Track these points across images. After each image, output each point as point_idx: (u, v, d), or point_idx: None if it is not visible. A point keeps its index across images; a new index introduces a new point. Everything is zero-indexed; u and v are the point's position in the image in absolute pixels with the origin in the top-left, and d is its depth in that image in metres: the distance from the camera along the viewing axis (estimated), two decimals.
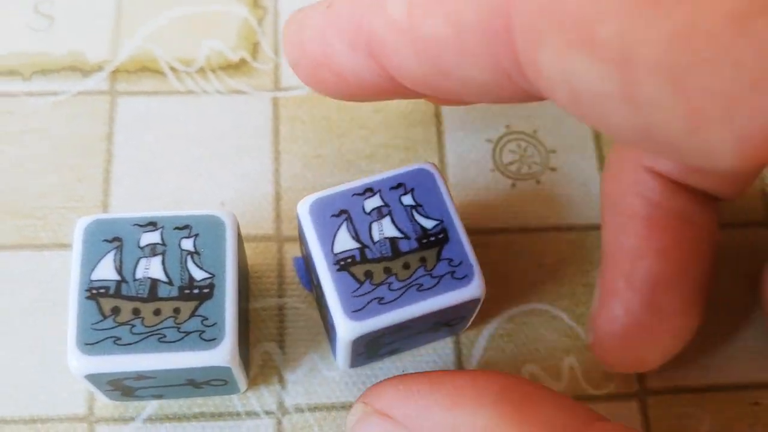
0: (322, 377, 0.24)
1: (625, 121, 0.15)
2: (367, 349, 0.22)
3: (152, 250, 0.21)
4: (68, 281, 0.24)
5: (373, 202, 0.22)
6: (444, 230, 0.22)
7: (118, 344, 0.20)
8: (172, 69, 0.28)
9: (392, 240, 0.21)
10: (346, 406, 0.24)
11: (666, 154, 0.15)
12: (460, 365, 0.25)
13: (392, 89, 0.21)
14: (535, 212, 0.27)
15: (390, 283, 0.21)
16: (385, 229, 0.22)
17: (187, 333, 0.21)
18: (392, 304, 0.21)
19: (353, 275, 0.21)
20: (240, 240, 0.23)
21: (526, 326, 0.25)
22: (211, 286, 0.21)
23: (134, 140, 0.27)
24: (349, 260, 0.21)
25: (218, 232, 0.22)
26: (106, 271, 0.21)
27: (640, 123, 0.14)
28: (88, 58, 0.28)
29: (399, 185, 0.22)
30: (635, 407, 0.25)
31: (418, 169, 0.22)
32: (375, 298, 0.21)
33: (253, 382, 0.24)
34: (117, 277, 0.21)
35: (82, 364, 0.20)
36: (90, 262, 0.21)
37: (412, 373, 0.21)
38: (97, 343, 0.20)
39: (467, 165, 0.27)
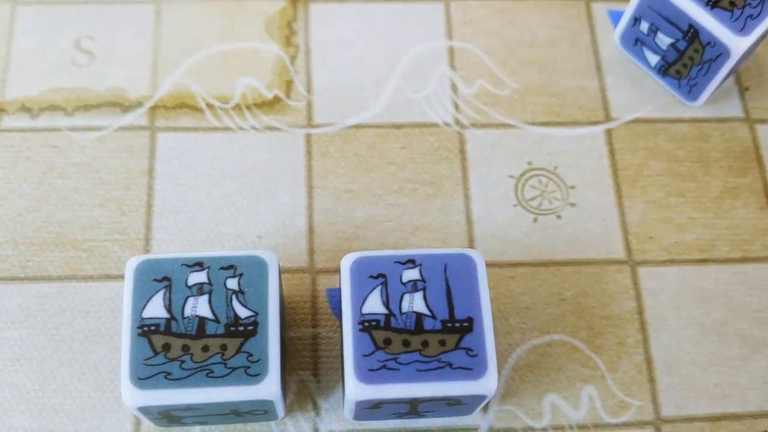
0: None
1: None
2: (374, 409, 0.23)
3: (199, 290, 0.23)
4: (114, 311, 0.26)
5: (411, 274, 0.23)
6: (471, 320, 0.22)
7: (169, 379, 0.22)
8: (209, 105, 0.29)
9: (419, 315, 0.22)
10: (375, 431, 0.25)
11: None
12: None
13: None
14: (556, 246, 0.28)
15: (406, 356, 0.22)
16: (416, 303, 0.22)
17: (234, 369, 0.22)
18: (405, 377, 0.22)
19: (373, 338, 0.22)
20: (280, 277, 0.24)
21: (547, 357, 0.27)
22: (255, 324, 0.22)
23: (174, 174, 0.28)
24: (374, 323, 0.22)
25: (261, 271, 0.23)
26: (156, 309, 0.22)
27: None
28: (128, 94, 0.30)
29: (441, 263, 0.23)
30: None
31: (461, 254, 0.23)
32: (388, 367, 0.22)
33: (289, 409, 0.26)
34: (167, 315, 0.22)
35: (135, 397, 0.22)
36: (141, 300, 0.23)
37: None
38: (149, 378, 0.22)
39: (491, 200, 0.29)
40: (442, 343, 0.22)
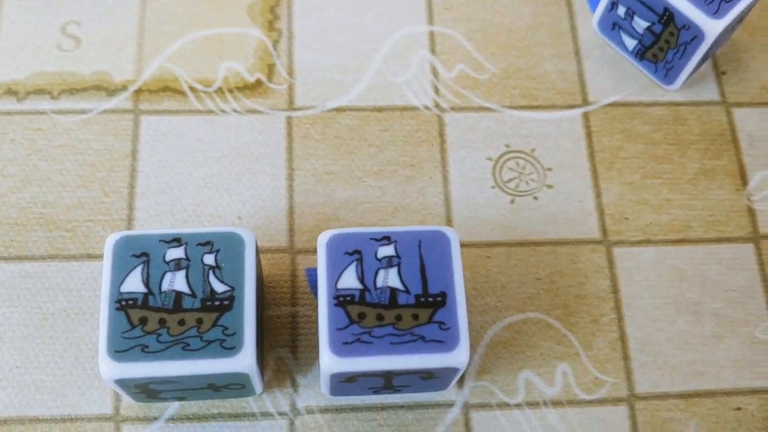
0: None
1: None
2: (349, 383, 0.24)
3: (177, 265, 0.23)
4: (96, 290, 0.26)
5: (386, 251, 0.23)
6: (444, 294, 0.23)
7: (145, 352, 0.22)
8: (192, 89, 0.30)
9: (393, 290, 0.23)
10: (354, 408, 0.26)
11: None
12: None
13: None
14: (533, 227, 0.29)
15: (379, 329, 0.22)
16: (390, 278, 0.23)
17: (209, 342, 0.22)
18: (378, 350, 0.22)
19: (348, 313, 0.22)
20: (257, 254, 0.24)
21: (522, 334, 0.27)
22: (231, 299, 0.23)
23: (157, 157, 0.29)
24: (348, 298, 0.23)
25: (238, 248, 0.23)
26: (134, 284, 0.23)
27: None
28: (113, 78, 0.30)
29: (415, 240, 0.23)
30: (624, 412, 0.26)
31: (436, 230, 0.23)
32: (362, 340, 0.22)
33: (267, 386, 0.26)
34: (144, 290, 0.23)
35: (112, 370, 0.22)
36: (119, 275, 0.23)
37: None
38: (126, 350, 0.22)
39: (469, 182, 0.29)
40: (415, 317, 0.22)
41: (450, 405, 0.26)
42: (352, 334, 0.22)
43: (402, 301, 0.23)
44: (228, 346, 0.22)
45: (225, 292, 0.23)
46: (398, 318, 0.22)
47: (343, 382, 0.24)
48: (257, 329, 0.24)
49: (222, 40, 0.31)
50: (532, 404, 0.26)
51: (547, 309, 0.27)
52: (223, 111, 0.30)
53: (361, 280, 0.23)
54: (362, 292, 0.23)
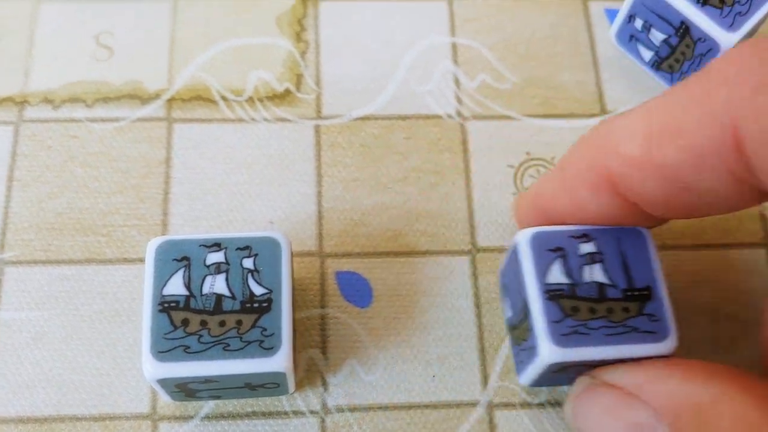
0: (361, 381, 0.27)
1: None
2: (553, 373, 0.25)
3: (217, 268, 0.24)
4: (131, 293, 0.27)
5: (587, 247, 0.24)
6: (649, 288, 0.24)
7: (187, 352, 0.23)
8: (223, 98, 0.31)
9: (600, 285, 0.24)
10: (382, 407, 0.27)
11: None
12: (485, 371, 0.27)
13: (629, 217, 0.24)
14: None
15: (594, 322, 0.23)
16: (595, 273, 0.24)
17: (249, 342, 0.23)
18: (593, 340, 0.23)
19: (561, 307, 0.23)
20: (291, 257, 0.25)
21: None
22: (269, 300, 0.24)
23: (190, 164, 0.30)
24: (559, 292, 0.24)
25: (275, 252, 0.24)
26: (176, 286, 0.24)
27: None
28: (146, 86, 0.31)
29: (615, 238, 0.24)
30: None
31: (633, 229, 0.24)
32: (578, 332, 0.23)
33: (299, 385, 0.27)
34: (186, 293, 0.24)
35: (155, 369, 0.23)
36: (161, 278, 0.24)
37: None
38: (168, 351, 0.23)
39: (490, 188, 0.30)
40: (626, 310, 0.23)
41: (474, 404, 0.27)
42: (568, 327, 0.23)
43: (610, 294, 0.24)
44: (267, 346, 0.23)
45: (263, 294, 0.24)
46: (609, 311, 0.23)
47: (554, 373, 0.24)
48: (292, 330, 0.25)
49: (251, 50, 0.32)
50: (554, 404, 0.27)
51: None
52: (253, 119, 0.31)
53: (569, 275, 0.24)
54: (572, 287, 0.24)
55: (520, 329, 0.25)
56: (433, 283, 0.29)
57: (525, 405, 0.27)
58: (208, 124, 0.30)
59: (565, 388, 0.27)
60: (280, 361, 0.23)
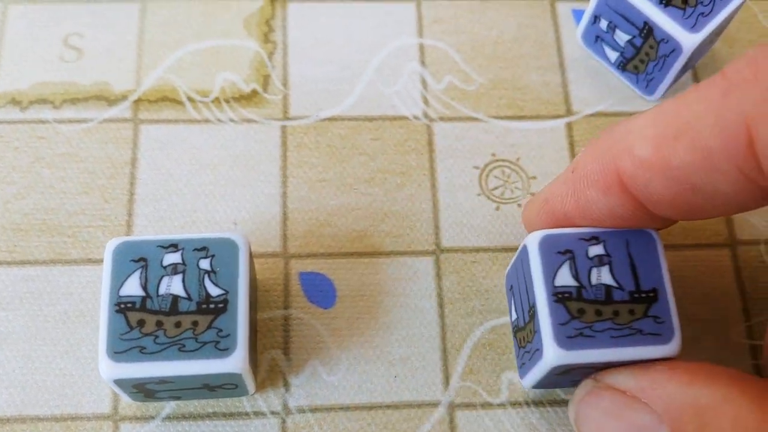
0: (322, 381, 0.27)
1: None
2: (556, 376, 0.25)
3: (174, 269, 0.24)
4: (96, 294, 0.27)
5: (596, 250, 0.24)
6: (655, 290, 0.24)
7: (143, 353, 0.23)
8: (190, 99, 0.31)
9: (608, 287, 0.24)
10: (343, 408, 0.27)
11: None
12: (446, 371, 0.28)
13: (638, 219, 0.24)
14: (516, 233, 0.30)
15: (599, 324, 0.23)
16: (603, 276, 0.24)
17: (204, 343, 0.23)
18: (598, 343, 0.23)
19: (568, 309, 0.24)
20: (251, 258, 0.26)
21: (506, 336, 0.28)
22: (225, 302, 0.24)
23: (156, 165, 0.30)
24: (566, 295, 0.24)
25: (232, 253, 0.24)
26: (132, 287, 0.24)
27: None
28: (113, 88, 0.31)
29: (624, 240, 0.24)
30: None
31: (642, 231, 0.25)
32: (583, 335, 0.23)
33: (260, 386, 0.27)
34: (142, 293, 0.24)
35: (111, 370, 0.23)
36: (118, 279, 0.24)
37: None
38: (125, 351, 0.23)
39: (456, 189, 0.30)
40: (632, 312, 0.24)
41: (435, 405, 0.27)
42: (574, 329, 0.23)
43: (618, 296, 0.24)
44: (222, 347, 0.23)
45: (219, 295, 0.24)
46: (615, 313, 0.24)
47: (558, 375, 0.25)
48: (250, 331, 0.25)
49: (219, 52, 0.32)
50: (515, 404, 0.27)
51: None
52: (219, 120, 0.31)
53: (576, 277, 0.24)
54: (578, 289, 0.24)
55: (524, 331, 0.25)
56: (397, 283, 0.29)
57: (486, 405, 0.27)
58: (175, 125, 0.31)
59: (525, 389, 0.27)
60: (235, 362, 0.23)
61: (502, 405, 0.27)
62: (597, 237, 0.24)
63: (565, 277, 0.24)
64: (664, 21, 0.28)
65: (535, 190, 0.30)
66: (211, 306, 0.24)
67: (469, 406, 0.27)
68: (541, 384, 0.26)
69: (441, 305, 0.28)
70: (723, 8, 0.29)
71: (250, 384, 0.25)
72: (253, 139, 0.30)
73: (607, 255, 0.24)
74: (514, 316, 0.27)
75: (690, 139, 0.21)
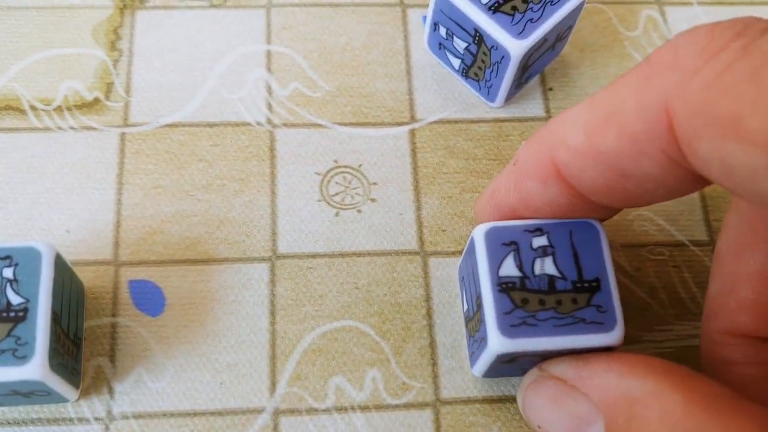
0: (147, 388, 0.27)
1: None
2: (503, 364, 0.25)
3: None
4: None
5: (540, 241, 0.25)
6: (598, 280, 0.24)
7: None
8: (32, 107, 0.31)
9: (551, 277, 0.24)
10: (167, 414, 0.27)
11: None
12: (273, 377, 0.28)
13: (578, 209, 0.24)
14: (355, 239, 0.30)
15: (543, 313, 0.24)
16: (546, 266, 0.25)
17: (3, 351, 0.23)
18: (541, 331, 0.24)
19: (512, 299, 0.24)
20: (64, 267, 0.26)
21: (336, 342, 0.28)
22: (26, 310, 0.24)
23: None
24: (510, 285, 0.24)
25: (35, 261, 0.25)
26: None
27: None
28: None
29: (568, 231, 0.25)
30: (429, 416, 0.28)
31: (585, 222, 0.25)
32: (527, 323, 0.24)
33: (86, 392, 0.27)
34: None
35: None
36: None
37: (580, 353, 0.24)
38: None
39: (296, 196, 0.30)
40: (574, 301, 0.24)
41: (260, 411, 0.27)
42: (518, 317, 0.24)
43: (560, 287, 0.24)
44: (20, 355, 0.23)
45: (20, 304, 0.24)
46: (558, 302, 0.24)
47: (504, 363, 0.25)
48: (66, 339, 0.25)
49: (65, 61, 0.32)
50: (341, 409, 0.27)
51: (362, 317, 0.29)
52: (60, 128, 0.31)
53: (521, 268, 0.25)
54: (522, 279, 0.24)
55: (473, 321, 0.26)
56: (229, 290, 0.29)
57: (311, 411, 0.27)
58: (15, 133, 0.31)
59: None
60: (33, 370, 0.23)
61: (327, 410, 0.27)
62: (541, 228, 0.25)
63: (509, 268, 0.24)
64: (492, 28, 0.29)
65: (375, 196, 0.30)
66: (12, 314, 0.24)
67: (294, 411, 0.27)
68: (490, 373, 0.26)
69: (273, 312, 0.29)
70: (553, 14, 0.29)
71: (65, 391, 0.25)
72: (92, 146, 0.30)
73: (551, 246, 0.25)
74: (465, 307, 0.27)
75: (617, 124, 0.21)
